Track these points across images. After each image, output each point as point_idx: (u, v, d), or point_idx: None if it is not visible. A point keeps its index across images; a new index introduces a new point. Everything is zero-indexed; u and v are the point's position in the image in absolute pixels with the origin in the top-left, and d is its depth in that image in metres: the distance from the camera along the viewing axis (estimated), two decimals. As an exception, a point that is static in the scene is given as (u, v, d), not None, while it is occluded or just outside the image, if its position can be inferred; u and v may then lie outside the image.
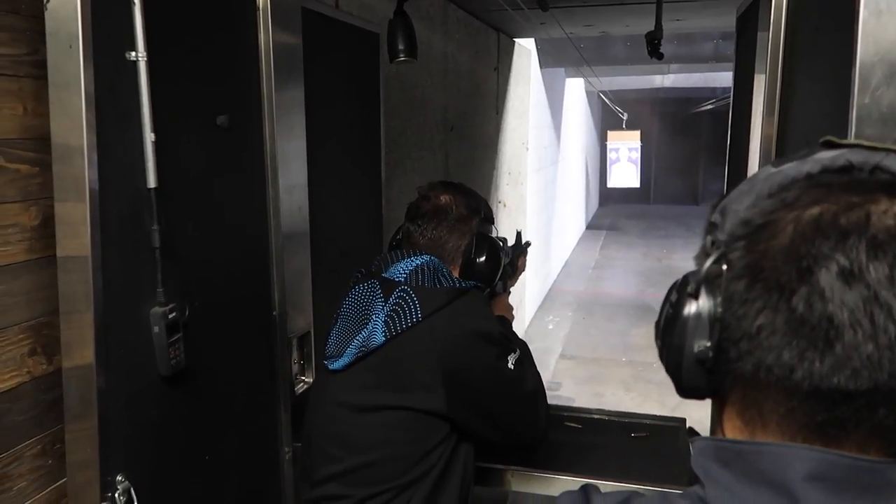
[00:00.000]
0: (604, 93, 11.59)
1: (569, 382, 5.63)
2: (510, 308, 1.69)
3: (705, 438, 0.57)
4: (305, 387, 1.77)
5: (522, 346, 1.47)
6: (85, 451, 1.12)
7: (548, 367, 5.84)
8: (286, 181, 1.64)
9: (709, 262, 0.54)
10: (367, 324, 1.35)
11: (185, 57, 1.33)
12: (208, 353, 1.39)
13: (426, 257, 1.41)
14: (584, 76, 10.15)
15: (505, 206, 5.35)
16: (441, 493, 1.33)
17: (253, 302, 1.60)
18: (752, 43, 1.50)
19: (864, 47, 0.73)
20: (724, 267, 0.53)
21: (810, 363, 0.48)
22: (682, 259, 10.33)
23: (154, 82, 1.18)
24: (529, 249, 1.92)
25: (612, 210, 16.20)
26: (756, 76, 1.36)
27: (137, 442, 1.21)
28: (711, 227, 0.57)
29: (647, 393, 5.26)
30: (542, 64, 7.19)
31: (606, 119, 15.81)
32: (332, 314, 1.48)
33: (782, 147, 1.28)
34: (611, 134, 13.30)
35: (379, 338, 1.31)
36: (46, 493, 1.13)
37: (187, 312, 1.30)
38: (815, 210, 0.50)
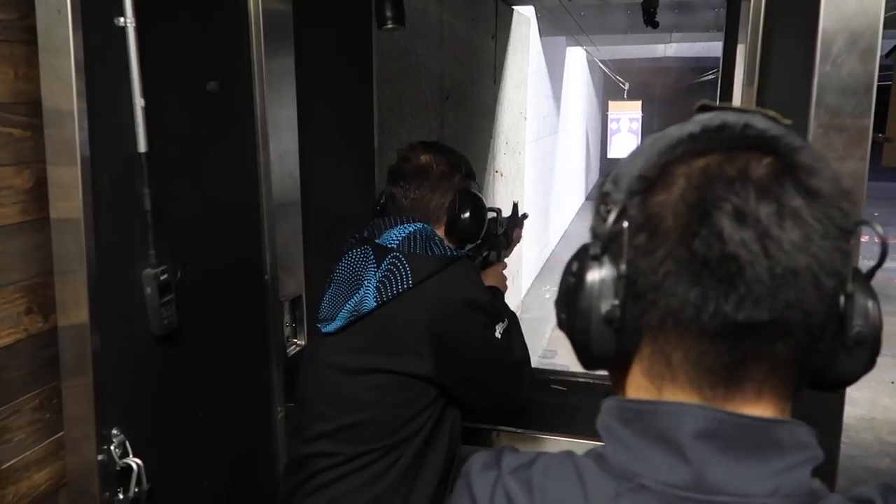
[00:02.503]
0: (605, 62, 11.49)
1: (563, 351, 5.70)
2: (504, 279, 1.71)
3: (612, 399, 0.60)
4: (297, 349, 1.81)
5: (511, 316, 1.50)
6: (81, 405, 1.17)
7: (543, 336, 5.91)
8: (277, 147, 1.66)
9: (610, 220, 0.56)
10: (360, 289, 1.38)
11: (174, 23, 1.34)
12: (201, 314, 1.43)
13: (418, 225, 1.44)
14: (584, 45, 10.05)
15: (502, 175, 5.36)
16: (429, 454, 1.38)
17: (245, 266, 1.64)
18: (738, 13, 1.51)
19: (827, 16, 0.75)
20: (625, 224, 0.55)
21: (716, 301, 0.51)
22: (681, 230, 10.32)
23: (143, 48, 1.20)
24: (526, 220, 1.94)
25: (612, 181, 16.16)
26: (739, 46, 1.38)
27: (132, 398, 1.26)
28: (604, 196, 0.59)
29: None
30: (542, 33, 7.13)
31: (608, 89, 15.69)
32: (325, 279, 1.51)
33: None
34: (612, 104, 13.22)
35: (370, 303, 1.35)
36: (45, 445, 1.18)
37: (179, 275, 1.34)
38: (702, 161, 0.54)
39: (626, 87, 12.33)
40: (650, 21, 3.05)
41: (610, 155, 13.41)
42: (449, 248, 1.43)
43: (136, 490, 1.22)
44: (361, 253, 1.43)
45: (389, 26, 1.79)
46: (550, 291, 7.17)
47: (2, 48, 1.07)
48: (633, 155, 0.60)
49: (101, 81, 1.14)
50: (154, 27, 1.25)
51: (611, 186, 0.59)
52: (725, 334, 0.52)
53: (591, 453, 0.58)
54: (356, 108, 2.22)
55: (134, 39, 1.19)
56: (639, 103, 12.87)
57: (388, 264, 1.37)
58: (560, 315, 0.62)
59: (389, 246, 1.40)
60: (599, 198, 0.60)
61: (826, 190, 0.53)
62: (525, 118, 6.29)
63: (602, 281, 0.57)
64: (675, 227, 0.53)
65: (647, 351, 0.57)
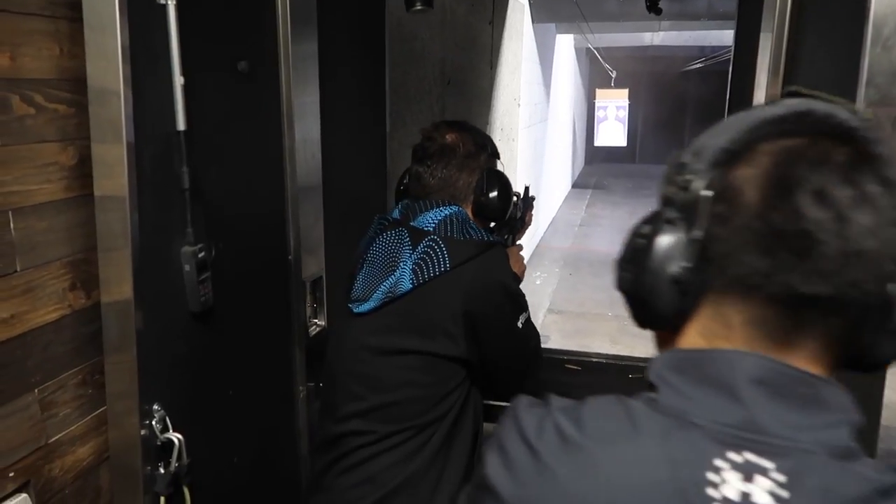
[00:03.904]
0: (597, 50, 11.51)
1: (556, 336, 5.77)
2: (521, 260, 1.73)
3: (664, 353, 0.63)
4: (318, 329, 1.83)
5: (527, 307, 1.53)
6: (124, 381, 1.18)
7: (536, 321, 5.96)
8: (301, 129, 1.68)
9: (692, 188, 0.60)
10: (395, 270, 1.40)
11: (208, 2, 1.35)
12: (231, 293, 1.45)
13: (454, 208, 1.45)
14: (574, 32, 10.07)
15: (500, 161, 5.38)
16: (458, 431, 1.41)
17: (270, 246, 1.65)
18: (757, 2, 1.54)
19: (879, 1, 0.79)
20: (705, 192, 0.59)
21: (787, 272, 0.55)
22: (667, 218, 10.44)
23: (181, 26, 1.21)
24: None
25: (597, 169, 16.26)
26: (762, 34, 1.41)
27: (171, 374, 1.28)
28: (681, 167, 0.62)
29: (633, 346, 5.40)
30: (535, 19, 7.14)
31: (594, 77, 15.73)
32: (343, 259, 1.53)
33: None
34: (599, 92, 13.27)
35: (406, 284, 1.37)
36: (87, 420, 1.19)
37: (213, 253, 1.35)
38: (788, 142, 0.58)
39: (614, 75, 12.37)
40: (653, 7, 3.08)
41: (597, 143, 13.47)
42: (484, 231, 1.45)
43: (177, 464, 1.24)
44: (396, 235, 1.44)
45: (418, 7, 1.80)
46: (541, 277, 7.24)
47: (47, 24, 1.07)
48: (717, 129, 0.62)
49: (143, 59, 1.15)
50: (190, 6, 1.25)
51: (690, 157, 0.62)
52: (788, 303, 0.56)
53: (641, 397, 0.61)
54: (369, 92, 2.23)
55: (175, 18, 1.20)
56: (626, 91, 12.93)
57: (424, 247, 1.39)
58: (623, 274, 0.65)
59: (426, 229, 1.42)
60: (675, 167, 0.63)
61: None
62: (519, 105, 6.32)
63: (674, 243, 0.60)
64: (755, 200, 0.57)
65: (706, 312, 0.61)
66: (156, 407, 1.22)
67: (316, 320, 1.85)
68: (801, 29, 1.25)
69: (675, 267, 0.60)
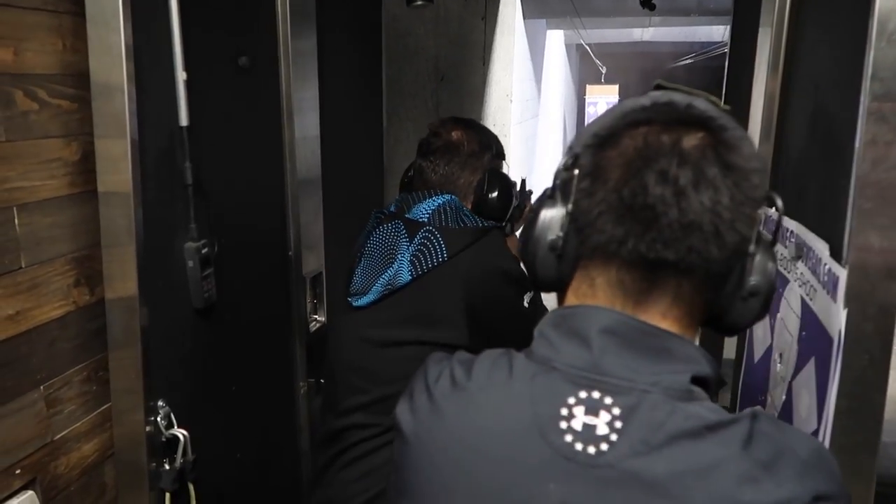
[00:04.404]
0: (589, 45, 11.53)
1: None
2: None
3: (551, 311, 0.73)
4: (318, 325, 1.83)
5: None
6: (129, 377, 1.18)
7: (529, 317, 5.97)
8: (301, 125, 1.67)
9: (561, 165, 0.70)
10: (393, 263, 1.40)
11: (209, -3, 1.35)
12: (233, 289, 1.44)
13: (447, 196, 1.46)
14: (565, 28, 10.07)
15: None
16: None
17: (270, 242, 1.65)
18: (755, -2, 1.54)
19: (883, -4, 0.80)
20: (576, 171, 0.68)
21: (634, 239, 0.64)
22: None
23: (182, 20, 1.21)
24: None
25: (588, 165, 16.28)
26: (761, 29, 1.42)
27: (175, 371, 1.27)
28: (568, 149, 0.72)
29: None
30: (526, 14, 7.13)
31: (584, 73, 15.75)
32: (342, 255, 1.53)
33: (786, 102, 1.34)
34: (590, 88, 13.30)
35: (405, 276, 1.37)
36: (92, 417, 1.19)
37: (216, 248, 1.35)
38: (645, 129, 0.66)
39: (604, 70, 12.40)
40: (647, 3, 3.09)
41: (587, 139, 13.46)
42: (478, 218, 1.46)
43: (182, 460, 1.24)
44: (392, 227, 1.45)
45: (419, 2, 1.80)
46: (533, 273, 7.23)
47: (51, 19, 1.06)
48: (597, 118, 0.73)
49: (146, 54, 1.14)
50: (191, 1, 1.25)
51: (574, 141, 0.72)
52: (639, 266, 0.66)
53: (524, 349, 0.71)
54: (365, 88, 2.23)
55: (177, 12, 1.19)
56: (616, 87, 12.96)
57: (421, 238, 1.39)
58: (521, 244, 0.75)
59: (420, 220, 1.42)
60: (565, 152, 0.72)
61: (741, 165, 0.64)
62: (511, 101, 6.32)
63: (552, 216, 0.70)
64: (613, 177, 0.66)
65: (579, 275, 0.71)
66: (160, 403, 1.22)
67: (316, 316, 1.85)
68: (801, 23, 1.26)
69: (552, 235, 0.69)
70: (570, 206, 0.68)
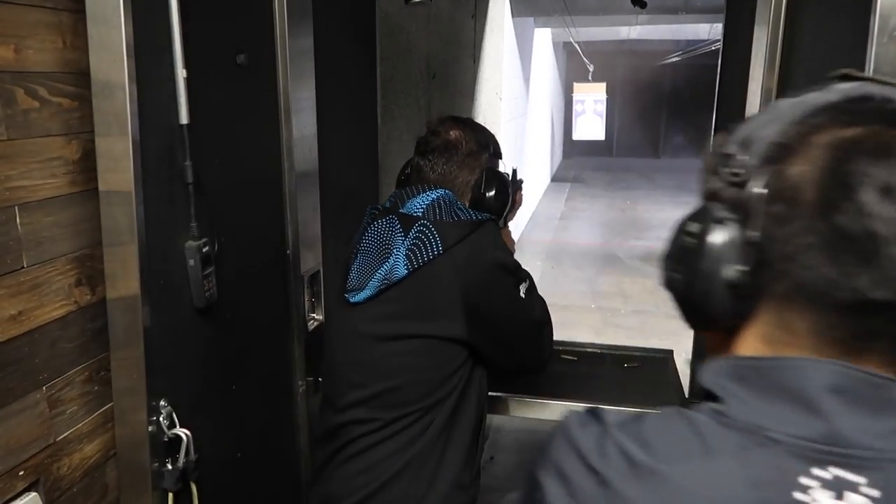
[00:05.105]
0: (577, 43, 11.57)
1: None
2: (512, 242, 1.76)
3: (718, 359, 0.59)
4: (316, 324, 1.83)
5: (528, 276, 1.55)
6: (131, 377, 1.17)
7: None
8: (298, 123, 1.67)
9: (747, 187, 0.55)
10: (389, 258, 1.41)
11: (208, -5, 1.34)
12: (233, 288, 1.44)
13: (440, 191, 1.46)
14: (552, 26, 10.10)
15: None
16: (461, 413, 1.43)
17: (269, 240, 1.64)
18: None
19: (885, -7, 0.81)
20: (758, 190, 0.55)
21: (854, 278, 0.51)
22: (646, 210, 10.56)
23: (182, 18, 1.20)
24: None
25: (575, 162, 16.34)
26: (757, 27, 1.43)
27: (176, 370, 1.27)
28: (726, 158, 0.58)
29: (616, 338, 5.46)
30: (514, 13, 7.15)
31: (571, 71, 15.79)
32: (339, 253, 1.53)
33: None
34: (577, 86, 13.31)
35: (401, 271, 1.38)
36: (94, 417, 1.18)
37: (216, 247, 1.35)
38: (848, 132, 0.53)
39: (592, 68, 12.43)
40: (638, 1, 3.11)
41: (575, 136, 13.52)
42: (472, 211, 1.46)
43: (185, 460, 1.24)
44: (387, 223, 1.45)
45: (416, 0, 1.80)
46: (524, 271, 7.26)
47: (51, 16, 1.06)
48: (765, 118, 0.59)
49: (146, 52, 1.14)
50: (191, -1, 1.24)
51: (737, 149, 0.58)
52: (857, 309, 0.52)
53: (702, 409, 0.56)
54: (360, 86, 2.22)
55: (177, 9, 1.19)
56: (604, 85, 12.98)
57: (416, 232, 1.40)
58: (671, 274, 0.62)
59: (415, 214, 1.43)
60: (718, 158, 0.59)
61: None
62: (500, 99, 6.33)
63: (728, 245, 0.56)
64: (816, 199, 0.52)
65: (766, 318, 0.57)
66: (163, 403, 1.22)
67: (314, 314, 1.85)
68: (798, 19, 1.27)
69: (731, 270, 0.56)
70: (756, 234, 0.55)
